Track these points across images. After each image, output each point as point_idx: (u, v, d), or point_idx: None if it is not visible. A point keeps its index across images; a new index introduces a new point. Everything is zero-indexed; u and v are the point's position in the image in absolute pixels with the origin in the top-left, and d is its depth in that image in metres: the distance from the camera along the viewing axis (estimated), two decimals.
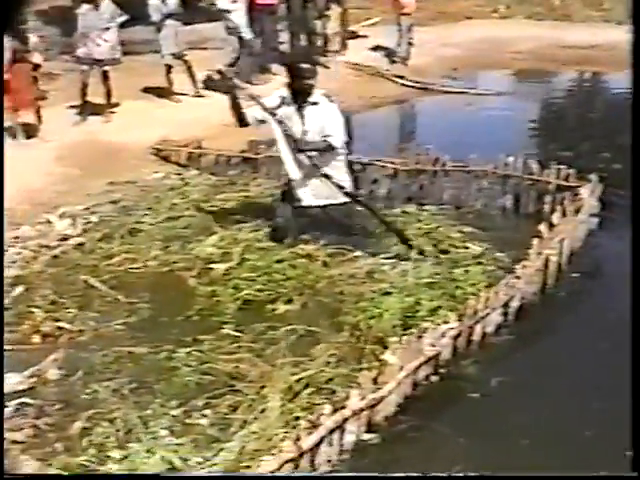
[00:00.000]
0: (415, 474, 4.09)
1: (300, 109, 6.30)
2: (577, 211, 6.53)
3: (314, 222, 6.58)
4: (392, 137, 10.52)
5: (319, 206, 6.52)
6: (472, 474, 4.05)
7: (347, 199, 6.47)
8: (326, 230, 6.53)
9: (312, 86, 6.31)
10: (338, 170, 6.43)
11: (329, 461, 4.16)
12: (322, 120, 6.24)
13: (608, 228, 6.74)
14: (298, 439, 3.94)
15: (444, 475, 4.03)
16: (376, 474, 4.11)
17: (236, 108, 6.44)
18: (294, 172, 6.45)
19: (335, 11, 12.98)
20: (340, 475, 4.04)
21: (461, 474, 4.07)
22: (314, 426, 4.07)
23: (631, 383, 3.66)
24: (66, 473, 3.99)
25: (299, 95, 6.30)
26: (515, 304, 5.57)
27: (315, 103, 6.31)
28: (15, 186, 7.98)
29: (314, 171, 6.35)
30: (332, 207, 6.49)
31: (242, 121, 6.49)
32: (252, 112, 6.39)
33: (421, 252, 6.29)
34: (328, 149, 6.24)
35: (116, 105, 10.40)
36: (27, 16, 9.26)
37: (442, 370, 4.99)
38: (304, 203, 6.52)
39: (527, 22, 15.94)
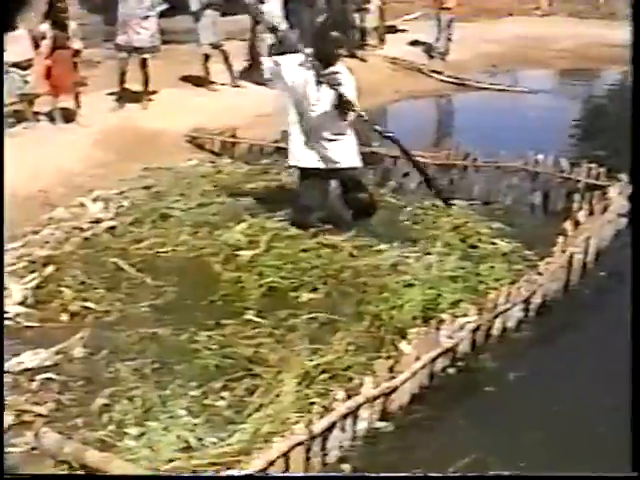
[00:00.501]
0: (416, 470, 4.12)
1: (320, 75, 6.32)
2: (605, 210, 6.52)
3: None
4: (426, 131, 10.51)
5: (325, 169, 6.61)
6: (472, 474, 4.07)
7: (357, 164, 6.61)
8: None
9: (339, 56, 6.38)
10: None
11: (341, 447, 4.22)
12: (339, 87, 6.28)
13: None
14: (310, 423, 4.00)
15: (445, 475, 4.06)
16: (376, 474, 4.16)
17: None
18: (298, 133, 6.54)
19: (374, 5, 12.98)
20: (340, 475, 4.08)
21: (458, 474, 4.09)
22: (327, 411, 4.14)
23: (631, 383, 3.66)
24: (85, 447, 4.09)
25: (322, 62, 6.32)
26: (537, 300, 5.58)
27: (336, 72, 6.35)
28: (52, 169, 8.20)
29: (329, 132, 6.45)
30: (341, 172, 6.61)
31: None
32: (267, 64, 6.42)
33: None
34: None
35: (153, 92, 10.54)
36: (67, 4, 9.36)
37: (460, 363, 5.03)
38: (307, 165, 6.61)
39: (570, 20, 15.81)
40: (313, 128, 6.46)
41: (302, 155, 6.58)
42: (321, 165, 6.58)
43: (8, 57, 9.00)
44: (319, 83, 6.32)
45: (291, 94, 6.47)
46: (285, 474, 3.89)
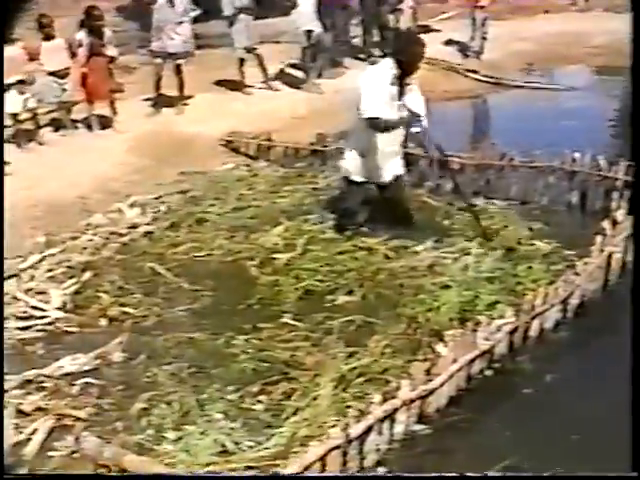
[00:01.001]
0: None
1: (402, 91, 6.33)
2: None
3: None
4: (462, 131, 10.45)
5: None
6: (475, 474, 4.04)
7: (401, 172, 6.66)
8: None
9: (418, 67, 6.38)
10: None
11: (378, 450, 4.22)
12: (413, 103, 6.32)
13: None
14: (347, 427, 4.00)
15: (445, 475, 4.04)
16: (377, 474, 4.16)
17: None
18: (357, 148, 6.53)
19: (407, 5, 12.94)
20: (341, 475, 4.08)
21: (458, 474, 4.07)
22: (364, 414, 4.13)
23: (631, 383, 3.62)
24: (124, 450, 4.13)
25: (405, 76, 6.30)
26: (575, 301, 5.52)
27: (411, 89, 6.39)
28: (89, 175, 8.29)
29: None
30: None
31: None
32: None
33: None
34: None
35: (189, 97, 10.60)
36: (102, 12, 9.46)
37: (497, 365, 4.99)
38: (361, 179, 6.60)
39: (606, 15, 15.57)
40: (379, 143, 6.44)
41: (357, 170, 6.57)
42: (373, 179, 6.61)
43: (46, 66, 9.13)
44: (400, 98, 6.32)
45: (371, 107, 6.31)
46: (286, 474, 3.88)
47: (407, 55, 6.26)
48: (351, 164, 6.58)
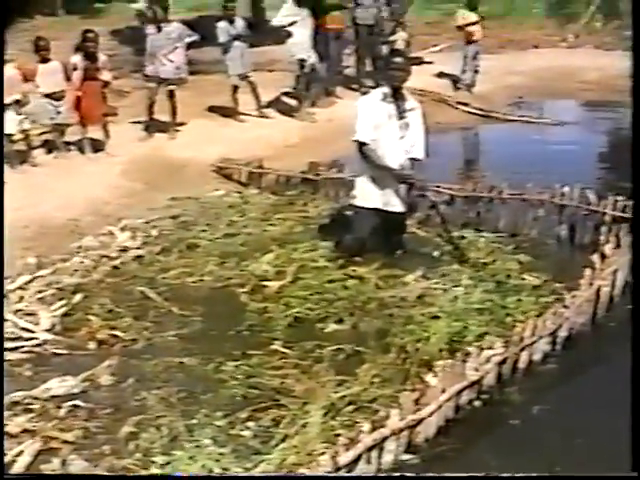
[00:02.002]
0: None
1: (400, 111, 6.42)
2: None
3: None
4: (452, 163, 10.53)
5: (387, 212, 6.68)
6: (472, 474, 4.06)
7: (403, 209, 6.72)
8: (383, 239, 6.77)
9: (404, 81, 6.46)
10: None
11: None
12: (414, 128, 6.48)
13: None
14: (336, 454, 4.00)
15: (445, 475, 4.05)
16: (377, 475, 4.17)
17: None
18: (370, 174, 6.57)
19: (401, 37, 13.07)
20: (341, 475, 4.09)
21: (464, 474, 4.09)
22: (353, 443, 4.14)
23: (631, 383, 3.63)
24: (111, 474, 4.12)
25: (396, 92, 6.42)
26: (563, 333, 5.55)
27: (412, 109, 6.49)
28: (81, 198, 8.31)
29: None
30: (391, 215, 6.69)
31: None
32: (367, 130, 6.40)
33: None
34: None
35: (181, 123, 10.65)
36: (98, 36, 9.55)
37: (485, 395, 5.00)
38: (373, 206, 6.65)
39: (595, 52, 15.80)
40: (389, 167, 6.50)
41: (370, 198, 6.62)
42: (383, 207, 6.65)
43: (42, 88, 9.18)
44: (401, 118, 6.39)
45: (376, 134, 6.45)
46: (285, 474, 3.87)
47: (392, 70, 6.43)
48: (364, 191, 6.62)
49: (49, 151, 9.59)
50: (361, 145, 6.38)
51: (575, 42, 16.83)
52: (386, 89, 6.41)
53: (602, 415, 4.82)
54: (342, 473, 4.03)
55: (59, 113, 9.33)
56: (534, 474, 4.18)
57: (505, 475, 4.09)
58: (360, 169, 6.63)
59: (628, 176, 9.10)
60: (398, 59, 6.55)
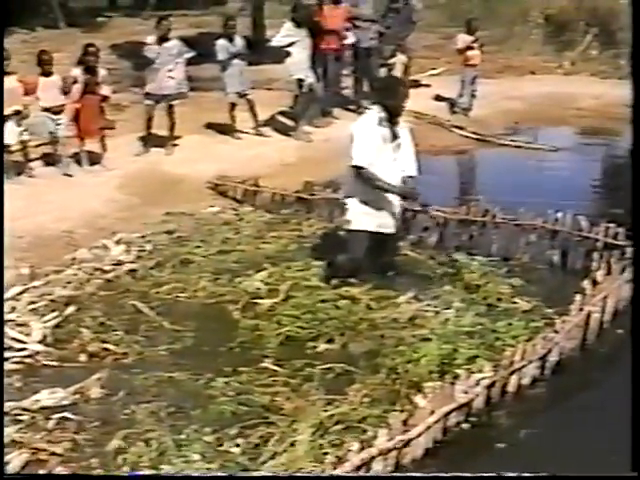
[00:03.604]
0: None
1: (394, 133, 6.47)
2: (624, 270, 6.54)
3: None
4: (447, 186, 10.57)
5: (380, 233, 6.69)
6: (475, 475, 4.08)
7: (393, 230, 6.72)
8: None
9: (403, 108, 6.54)
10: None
11: None
12: (405, 147, 6.53)
13: None
14: (323, 473, 4.02)
15: (445, 475, 4.07)
16: (377, 475, 4.18)
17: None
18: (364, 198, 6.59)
19: (400, 60, 13.15)
20: (341, 475, 4.10)
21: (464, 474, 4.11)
22: (341, 462, 4.15)
23: (632, 383, 3.65)
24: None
25: (392, 118, 6.46)
26: (553, 358, 5.58)
27: (402, 129, 6.57)
28: (76, 210, 8.33)
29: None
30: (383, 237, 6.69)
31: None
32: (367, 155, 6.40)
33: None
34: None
35: (179, 138, 10.70)
36: (98, 50, 9.62)
37: (474, 418, 5.02)
38: (368, 229, 6.65)
39: (591, 79, 15.89)
40: (385, 189, 6.53)
41: (364, 221, 6.61)
42: (376, 229, 6.64)
43: (43, 101, 9.22)
44: (394, 139, 6.46)
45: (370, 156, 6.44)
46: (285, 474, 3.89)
47: (391, 97, 6.45)
48: (357, 215, 6.61)
49: (47, 164, 9.60)
50: (359, 169, 6.40)
51: (572, 69, 16.91)
52: (382, 113, 6.44)
53: (591, 441, 4.86)
54: None
55: (59, 125, 9.36)
56: (534, 474, 4.19)
57: (505, 475, 4.11)
58: (353, 192, 6.62)
59: (620, 203, 9.22)
60: (399, 87, 6.63)
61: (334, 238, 7.33)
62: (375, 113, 6.46)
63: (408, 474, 4.26)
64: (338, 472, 4.08)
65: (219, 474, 4.12)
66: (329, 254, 6.98)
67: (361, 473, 4.25)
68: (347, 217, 6.71)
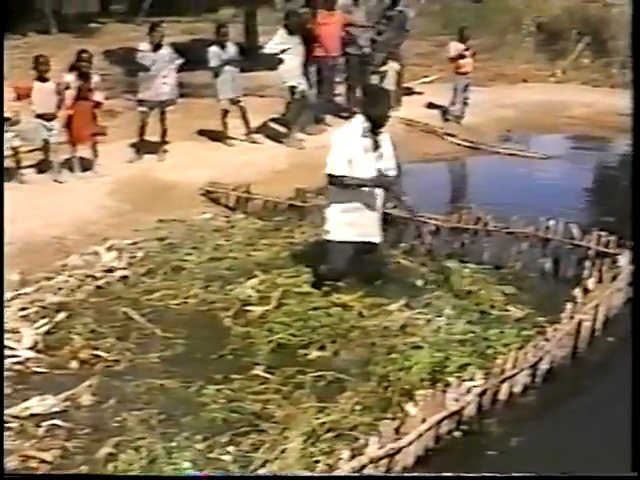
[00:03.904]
0: None
1: (376, 143, 6.46)
2: (615, 278, 6.55)
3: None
4: (439, 194, 10.59)
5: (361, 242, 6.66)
6: (475, 475, 4.08)
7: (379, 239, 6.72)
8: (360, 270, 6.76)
9: (388, 118, 6.52)
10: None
11: None
12: (386, 155, 6.52)
13: None
14: None
15: (444, 475, 4.07)
16: (377, 475, 4.18)
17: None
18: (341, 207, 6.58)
19: (392, 67, 13.17)
20: (341, 475, 4.09)
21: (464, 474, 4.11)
22: (332, 470, 4.15)
23: (632, 383, 3.65)
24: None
25: (376, 128, 6.44)
26: (544, 366, 5.59)
27: (384, 138, 6.55)
28: (68, 216, 8.30)
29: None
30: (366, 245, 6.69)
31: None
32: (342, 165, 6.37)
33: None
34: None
35: (171, 144, 10.68)
36: (91, 56, 9.61)
37: (465, 426, 5.02)
38: (345, 239, 6.62)
39: (583, 88, 15.95)
40: (362, 198, 6.52)
41: (341, 231, 6.59)
42: (357, 239, 6.62)
43: (37, 107, 9.20)
44: (376, 149, 6.45)
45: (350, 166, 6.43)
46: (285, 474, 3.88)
47: (375, 107, 6.42)
48: (337, 224, 6.59)
49: (40, 171, 9.58)
50: (332, 177, 6.38)
51: (563, 77, 16.96)
52: (366, 124, 6.39)
53: (582, 448, 4.87)
54: None
55: (51, 132, 9.34)
56: (534, 474, 4.19)
57: (505, 475, 4.11)
58: (333, 201, 6.60)
59: (612, 211, 9.26)
60: (383, 97, 6.64)
61: (321, 246, 7.31)
62: (359, 123, 6.44)
63: (408, 474, 4.25)
64: None
65: (218, 474, 4.12)
66: (316, 262, 6.96)
67: None
68: (326, 227, 6.68)
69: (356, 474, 4.21)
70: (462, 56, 13.14)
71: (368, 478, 4.29)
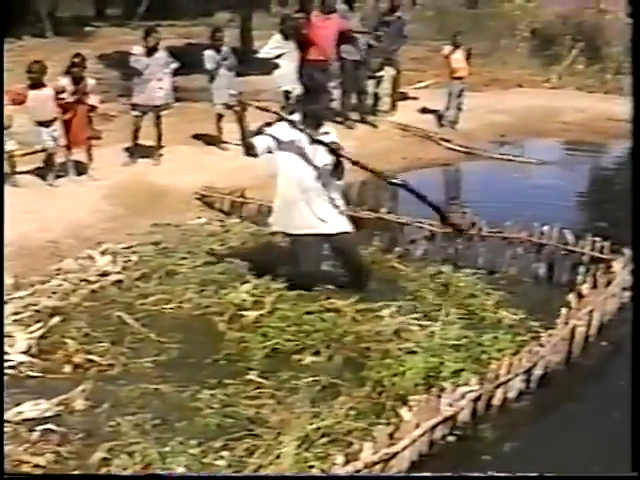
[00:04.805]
0: None
1: (312, 135, 6.50)
2: (609, 284, 6.57)
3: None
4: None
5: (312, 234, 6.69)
6: (475, 475, 4.08)
7: (348, 229, 6.77)
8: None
9: (324, 110, 6.72)
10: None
11: None
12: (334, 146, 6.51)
13: None
14: None
15: (444, 475, 4.07)
16: (376, 475, 4.18)
17: (244, 136, 6.75)
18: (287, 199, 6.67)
19: (388, 73, 13.20)
20: (341, 475, 4.09)
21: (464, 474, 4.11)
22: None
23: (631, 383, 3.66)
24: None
25: (311, 120, 6.54)
26: (538, 371, 5.60)
27: (327, 132, 6.61)
28: (62, 220, 8.29)
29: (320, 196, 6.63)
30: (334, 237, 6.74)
31: (249, 150, 6.67)
32: (262, 142, 6.61)
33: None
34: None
35: (166, 149, 10.68)
36: (85, 60, 9.61)
37: (459, 431, 5.03)
38: (295, 232, 6.70)
39: (577, 93, 16.01)
40: (307, 190, 6.58)
41: (289, 222, 6.69)
42: (310, 231, 6.66)
43: (34, 113, 9.18)
44: (313, 142, 6.48)
45: (285, 159, 6.63)
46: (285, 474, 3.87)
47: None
48: (283, 214, 6.71)
49: (35, 175, 9.55)
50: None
51: (558, 83, 17.03)
52: (295, 118, 6.63)
53: (575, 453, 4.88)
54: None
55: (52, 137, 9.31)
56: (534, 474, 4.19)
57: (505, 475, 4.11)
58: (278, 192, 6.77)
59: (606, 216, 9.29)
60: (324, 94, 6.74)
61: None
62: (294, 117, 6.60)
63: (407, 474, 4.25)
64: None
65: (219, 474, 4.11)
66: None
67: None
68: (269, 220, 6.85)
69: (356, 474, 4.20)
70: (448, 56, 13.18)
71: (368, 478, 4.29)
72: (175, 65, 10.44)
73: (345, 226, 6.79)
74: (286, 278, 6.80)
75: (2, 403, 4.85)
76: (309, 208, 6.61)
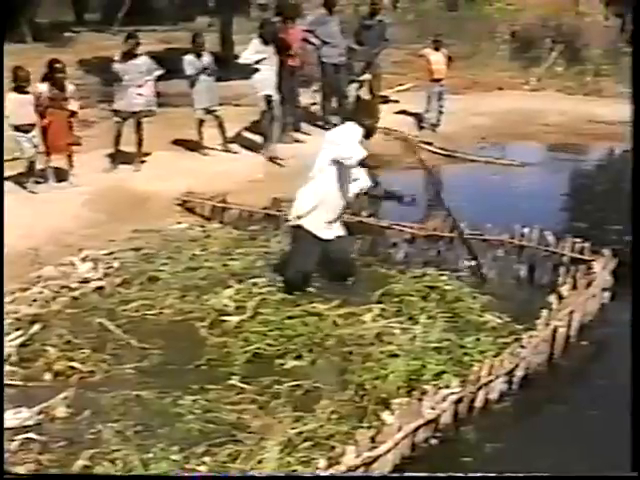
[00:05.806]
0: None
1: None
2: (589, 285, 6.60)
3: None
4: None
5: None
6: (472, 474, 4.09)
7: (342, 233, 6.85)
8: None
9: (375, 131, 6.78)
10: None
11: None
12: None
13: (621, 301, 6.74)
14: None
15: (440, 475, 4.08)
16: (376, 475, 4.18)
17: None
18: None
19: (368, 77, 13.21)
20: (341, 475, 4.09)
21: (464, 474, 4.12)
22: None
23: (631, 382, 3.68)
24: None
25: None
26: (520, 373, 5.62)
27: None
28: (43, 227, 8.25)
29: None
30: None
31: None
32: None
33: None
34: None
35: (146, 154, 10.65)
36: (65, 66, 9.56)
37: (441, 434, 5.04)
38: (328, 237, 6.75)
39: (558, 95, 16.07)
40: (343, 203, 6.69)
41: (324, 230, 6.71)
42: (331, 236, 6.75)
43: (13, 119, 9.13)
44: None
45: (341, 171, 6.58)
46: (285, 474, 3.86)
47: (368, 120, 6.63)
48: (320, 224, 6.68)
49: (16, 182, 9.49)
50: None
51: (538, 85, 17.08)
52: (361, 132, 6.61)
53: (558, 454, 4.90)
54: None
55: (31, 142, 9.25)
56: (534, 474, 4.20)
57: (505, 475, 4.12)
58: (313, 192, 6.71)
59: (586, 217, 9.33)
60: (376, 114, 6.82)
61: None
62: (356, 129, 6.55)
63: (407, 474, 4.25)
64: None
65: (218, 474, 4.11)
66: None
67: None
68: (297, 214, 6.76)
69: (355, 474, 4.19)
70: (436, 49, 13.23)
71: (368, 478, 4.28)
72: (159, 72, 10.42)
73: (341, 230, 6.86)
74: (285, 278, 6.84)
75: (2, 403, 4.81)
76: (330, 212, 6.70)
